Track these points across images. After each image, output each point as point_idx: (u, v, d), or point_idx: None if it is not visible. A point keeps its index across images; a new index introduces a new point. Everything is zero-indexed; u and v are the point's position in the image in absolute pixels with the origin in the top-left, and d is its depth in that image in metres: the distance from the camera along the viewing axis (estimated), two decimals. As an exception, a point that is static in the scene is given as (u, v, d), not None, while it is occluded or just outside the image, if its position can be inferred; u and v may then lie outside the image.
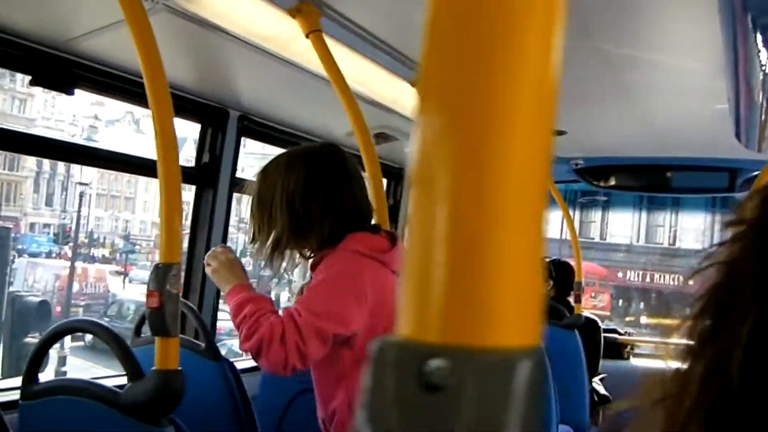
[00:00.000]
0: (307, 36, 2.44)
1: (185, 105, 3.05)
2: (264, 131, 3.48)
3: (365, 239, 2.06)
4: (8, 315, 7.71)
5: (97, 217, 25.73)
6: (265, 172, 2.13)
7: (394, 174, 4.68)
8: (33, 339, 7.86)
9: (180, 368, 1.65)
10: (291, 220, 2.04)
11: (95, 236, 24.66)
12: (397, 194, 4.81)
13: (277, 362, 1.89)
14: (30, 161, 23.57)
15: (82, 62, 2.57)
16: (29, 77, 2.51)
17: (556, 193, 5.02)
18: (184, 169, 3.12)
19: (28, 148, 2.97)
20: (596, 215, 19.31)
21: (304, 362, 1.91)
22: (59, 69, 2.53)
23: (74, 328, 1.91)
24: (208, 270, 2.09)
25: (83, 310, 16.10)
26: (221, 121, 3.22)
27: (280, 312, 1.98)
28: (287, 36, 2.60)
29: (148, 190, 26.37)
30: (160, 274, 1.62)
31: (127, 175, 27.28)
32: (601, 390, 5.16)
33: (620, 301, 22.20)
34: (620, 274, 22.57)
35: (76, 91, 2.67)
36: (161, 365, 1.62)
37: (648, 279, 22.61)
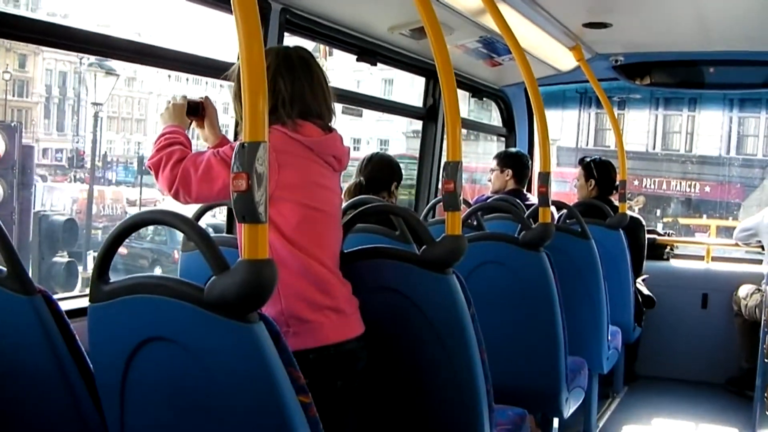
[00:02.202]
0: None
1: (224, -6, 2.87)
2: (307, 26, 3.30)
3: (301, 126, 2.20)
4: (35, 235, 7.59)
5: (108, 140, 25.50)
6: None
7: (433, 72, 4.41)
8: (61, 258, 7.75)
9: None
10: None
11: (108, 159, 24.51)
12: (435, 93, 4.59)
13: (167, 183, 2.14)
14: (39, 87, 23.27)
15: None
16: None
17: (600, 92, 4.76)
18: (225, 65, 2.97)
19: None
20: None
21: (189, 193, 2.12)
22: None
23: (149, 220, 1.76)
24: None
25: (102, 232, 16.04)
26: (263, 13, 3.02)
27: None
28: None
29: (159, 111, 26.05)
30: (246, 153, 1.48)
31: (137, 96, 26.98)
32: (645, 291, 5.08)
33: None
34: (636, 182, 22.43)
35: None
36: (250, 255, 1.50)
37: (664, 186, 22.46)
